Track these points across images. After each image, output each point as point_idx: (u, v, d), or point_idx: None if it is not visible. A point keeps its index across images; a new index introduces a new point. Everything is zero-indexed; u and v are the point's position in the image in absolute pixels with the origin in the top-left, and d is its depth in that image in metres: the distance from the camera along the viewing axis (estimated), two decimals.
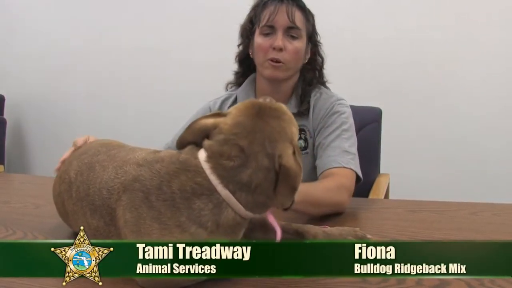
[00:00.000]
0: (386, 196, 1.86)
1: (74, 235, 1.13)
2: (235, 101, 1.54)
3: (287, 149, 0.85)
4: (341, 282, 0.90)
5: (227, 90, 1.63)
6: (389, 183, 1.92)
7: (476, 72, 2.65)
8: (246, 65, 1.57)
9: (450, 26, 2.66)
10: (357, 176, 1.38)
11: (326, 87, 1.56)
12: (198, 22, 3.17)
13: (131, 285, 0.87)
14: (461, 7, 2.63)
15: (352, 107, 1.53)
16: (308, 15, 1.48)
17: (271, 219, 0.97)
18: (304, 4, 1.47)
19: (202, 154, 0.86)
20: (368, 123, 1.88)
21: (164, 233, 0.82)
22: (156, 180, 0.86)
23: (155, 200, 0.84)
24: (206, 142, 0.87)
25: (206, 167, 0.85)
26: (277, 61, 1.41)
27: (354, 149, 1.41)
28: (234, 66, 1.61)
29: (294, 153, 0.86)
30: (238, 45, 1.57)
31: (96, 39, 3.46)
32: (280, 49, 1.40)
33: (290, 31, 1.42)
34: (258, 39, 1.45)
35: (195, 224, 0.82)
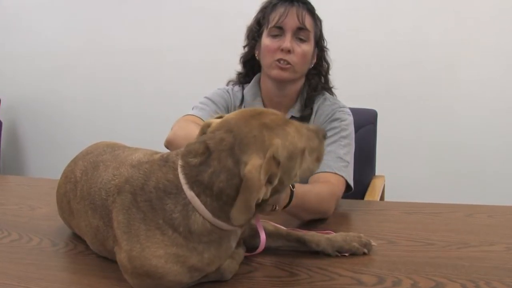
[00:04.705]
0: (382, 197, 1.86)
1: (71, 237, 1.14)
2: (242, 100, 1.54)
3: (255, 158, 0.77)
4: (337, 283, 0.90)
5: (227, 86, 1.61)
6: (384, 185, 1.92)
7: (471, 74, 2.67)
8: (250, 66, 1.56)
9: (446, 28, 2.68)
10: (348, 185, 1.37)
11: (332, 92, 1.55)
12: (194, 24, 3.17)
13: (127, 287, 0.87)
14: (458, 9, 2.64)
15: None
16: (316, 20, 1.47)
17: (259, 226, 0.96)
18: (313, 8, 1.46)
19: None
20: (363, 125, 1.88)
21: (149, 234, 0.82)
22: (141, 180, 0.86)
23: (140, 201, 0.84)
24: (190, 141, 0.86)
25: (179, 164, 0.83)
26: (285, 63, 1.39)
27: (349, 157, 1.39)
28: (233, 67, 1.60)
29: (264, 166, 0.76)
30: (244, 46, 1.56)
31: (91, 40, 3.46)
32: (288, 51, 1.39)
33: (299, 34, 1.41)
34: (265, 40, 1.43)
35: (170, 227, 0.81)
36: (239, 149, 0.78)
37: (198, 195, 0.80)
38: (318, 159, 0.93)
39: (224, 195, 0.78)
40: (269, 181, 0.77)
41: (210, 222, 0.81)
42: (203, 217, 0.81)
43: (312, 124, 0.92)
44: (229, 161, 0.78)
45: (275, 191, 0.83)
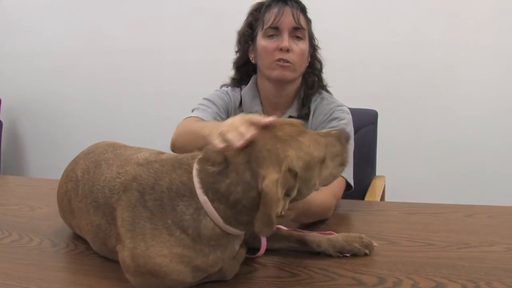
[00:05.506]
0: (382, 198, 1.86)
1: (71, 237, 1.14)
2: (240, 103, 1.53)
3: (271, 173, 0.77)
4: (338, 283, 0.90)
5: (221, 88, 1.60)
6: (384, 185, 1.92)
7: (471, 74, 2.66)
8: (243, 71, 1.55)
9: (445, 29, 2.67)
10: (349, 184, 1.37)
11: (327, 91, 1.55)
12: (194, 24, 3.17)
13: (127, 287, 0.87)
14: (457, 9, 2.64)
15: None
16: (308, 19, 1.47)
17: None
18: (305, 8, 1.46)
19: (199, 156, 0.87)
20: (364, 125, 1.88)
21: (155, 233, 0.82)
22: (151, 179, 0.86)
23: (148, 199, 0.84)
24: (207, 146, 0.86)
25: (194, 167, 0.84)
26: (285, 62, 1.39)
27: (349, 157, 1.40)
28: (230, 70, 1.59)
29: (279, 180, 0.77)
30: (236, 52, 1.55)
31: (92, 40, 3.45)
32: (287, 50, 1.38)
33: (295, 33, 1.41)
34: (262, 42, 1.42)
35: (179, 228, 0.81)
36: (255, 163, 0.79)
37: (211, 201, 0.81)
38: (342, 164, 0.95)
39: (239, 205, 0.80)
40: (287, 194, 0.79)
41: (221, 228, 0.82)
42: (214, 223, 0.81)
43: (334, 129, 0.94)
44: (247, 174, 0.79)
45: (294, 200, 0.84)
